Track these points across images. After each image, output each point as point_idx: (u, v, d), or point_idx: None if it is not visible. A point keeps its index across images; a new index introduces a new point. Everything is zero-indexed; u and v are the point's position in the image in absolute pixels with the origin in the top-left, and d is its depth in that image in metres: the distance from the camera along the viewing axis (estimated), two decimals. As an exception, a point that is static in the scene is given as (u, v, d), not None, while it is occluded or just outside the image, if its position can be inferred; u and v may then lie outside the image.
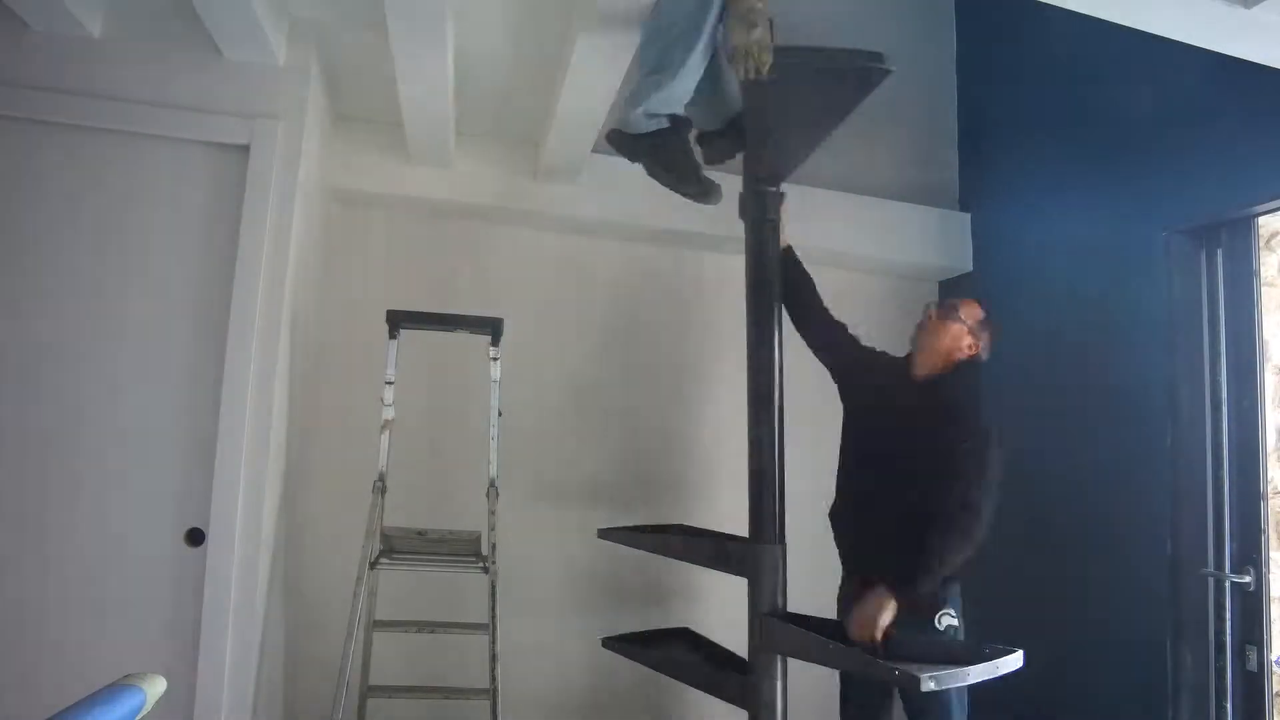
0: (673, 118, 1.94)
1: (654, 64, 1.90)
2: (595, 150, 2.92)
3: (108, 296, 2.29)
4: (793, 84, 1.83)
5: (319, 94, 2.63)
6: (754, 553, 1.99)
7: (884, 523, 2.18)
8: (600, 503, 3.28)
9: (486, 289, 3.20)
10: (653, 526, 2.58)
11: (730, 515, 3.34)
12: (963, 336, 2.30)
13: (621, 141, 2.00)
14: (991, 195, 3.58)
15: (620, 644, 2.30)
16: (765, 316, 2.09)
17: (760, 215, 2.14)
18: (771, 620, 1.93)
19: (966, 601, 2.29)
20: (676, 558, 2.38)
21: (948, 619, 2.21)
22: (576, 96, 2.45)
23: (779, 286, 2.19)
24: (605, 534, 2.39)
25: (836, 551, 2.38)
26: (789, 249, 2.44)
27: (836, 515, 2.40)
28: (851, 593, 2.29)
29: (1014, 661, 1.80)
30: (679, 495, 3.40)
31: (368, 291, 3.02)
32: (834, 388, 2.48)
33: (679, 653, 2.32)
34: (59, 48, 2.25)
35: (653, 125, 1.94)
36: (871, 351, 2.46)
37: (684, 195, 2.05)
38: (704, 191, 2.04)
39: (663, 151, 1.98)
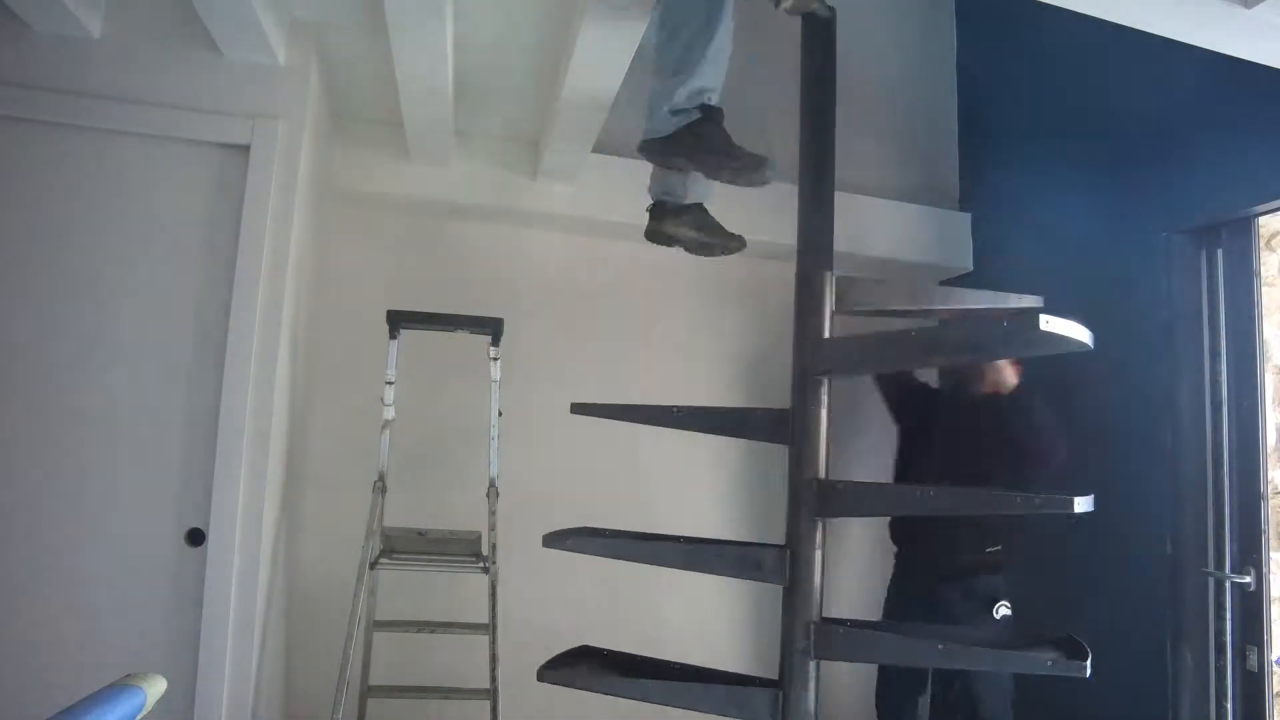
0: (703, 108, 1.87)
1: (674, 66, 1.86)
2: (595, 150, 2.92)
3: (107, 296, 2.29)
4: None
5: (319, 94, 2.63)
6: (794, 559, 1.94)
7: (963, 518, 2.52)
8: (596, 506, 3.28)
9: (486, 289, 3.20)
10: (628, 533, 2.30)
11: (732, 518, 3.37)
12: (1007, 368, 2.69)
13: (653, 148, 1.93)
14: (991, 195, 3.58)
15: (572, 675, 2.01)
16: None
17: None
18: (829, 627, 1.91)
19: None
20: (676, 566, 2.25)
21: (1004, 609, 2.53)
22: (577, 95, 2.44)
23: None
24: (552, 541, 2.05)
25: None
26: None
27: (903, 527, 2.76)
28: (910, 583, 2.70)
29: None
30: (677, 497, 3.40)
31: (368, 291, 3.02)
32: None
33: (640, 676, 2.08)
34: (59, 48, 2.25)
35: (682, 120, 1.87)
36: (924, 386, 2.90)
37: (732, 178, 1.90)
38: (753, 166, 1.85)
39: (699, 138, 1.87)
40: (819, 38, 1.98)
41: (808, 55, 2.02)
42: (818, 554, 1.92)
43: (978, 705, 2.51)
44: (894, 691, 2.56)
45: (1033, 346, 1.91)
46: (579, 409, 2.14)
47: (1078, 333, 1.64)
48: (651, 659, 2.13)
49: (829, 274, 1.98)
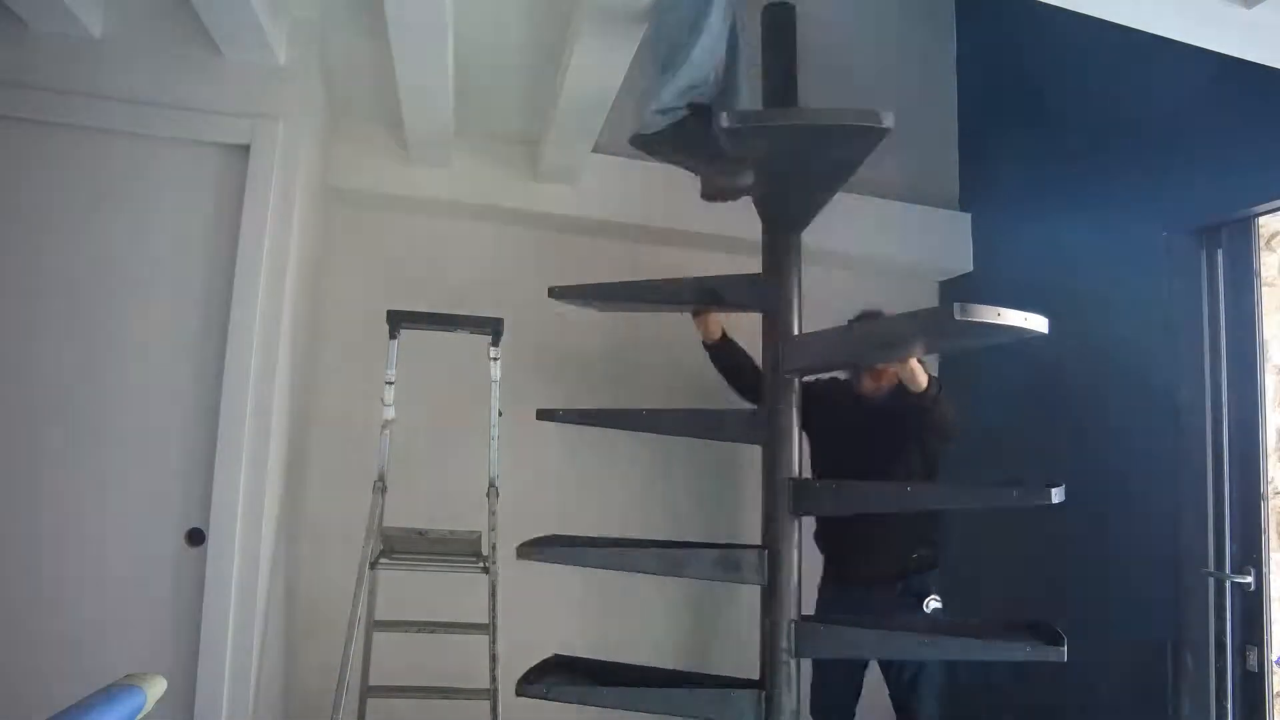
0: (691, 106, 1.88)
1: (663, 61, 1.88)
2: (595, 150, 2.92)
3: (107, 296, 2.29)
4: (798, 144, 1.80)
5: (319, 94, 2.63)
6: (772, 560, 1.94)
7: (880, 516, 2.44)
8: (595, 510, 3.28)
9: (486, 289, 3.20)
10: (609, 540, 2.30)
11: (719, 524, 3.36)
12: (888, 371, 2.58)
13: (642, 143, 1.96)
14: (991, 195, 3.58)
15: (556, 688, 1.98)
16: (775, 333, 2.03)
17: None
18: (810, 625, 1.91)
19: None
20: (652, 572, 2.19)
21: (934, 603, 2.54)
22: (577, 95, 2.45)
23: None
24: (526, 552, 2.01)
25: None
26: (725, 336, 2.68)
27: (826, 529, 2.65)
28: (838, 589, 2.64)
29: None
30: (678, 501, 3.40)
31: (368, 291, 3.02)
32: None
33: (623, 683, 2.07)
34: (59, 48, 2.25)
35: (670, 119, 1.88)
36: (818, 383, 2.72)
37: (713, 178, 1.96)
38: (734, 171, 1.91)
39: (684, 136, 1.89)
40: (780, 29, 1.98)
41: (769, 48, 2.01)
42: (795, 553, 1.92)
43: (918, 701, 2.54)
44: (828, 695, 2.56)
45: (992, 335, 1.91)
46: (544, 415, 2.14)
47: (1031, 322, 1.66)
48: (630, 665, 2.11)
49: (797, 271, 1.99)
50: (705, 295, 2.16)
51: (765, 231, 2.09)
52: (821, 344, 2.01)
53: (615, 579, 3.22)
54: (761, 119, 1.71)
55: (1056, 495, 1.69)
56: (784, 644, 1.89)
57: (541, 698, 1.94)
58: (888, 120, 1.63)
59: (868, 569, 2.63)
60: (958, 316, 1.59)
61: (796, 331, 1.98)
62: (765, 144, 1.77)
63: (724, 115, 1.69)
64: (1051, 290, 3.08)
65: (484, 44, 2.50)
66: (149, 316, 2.32)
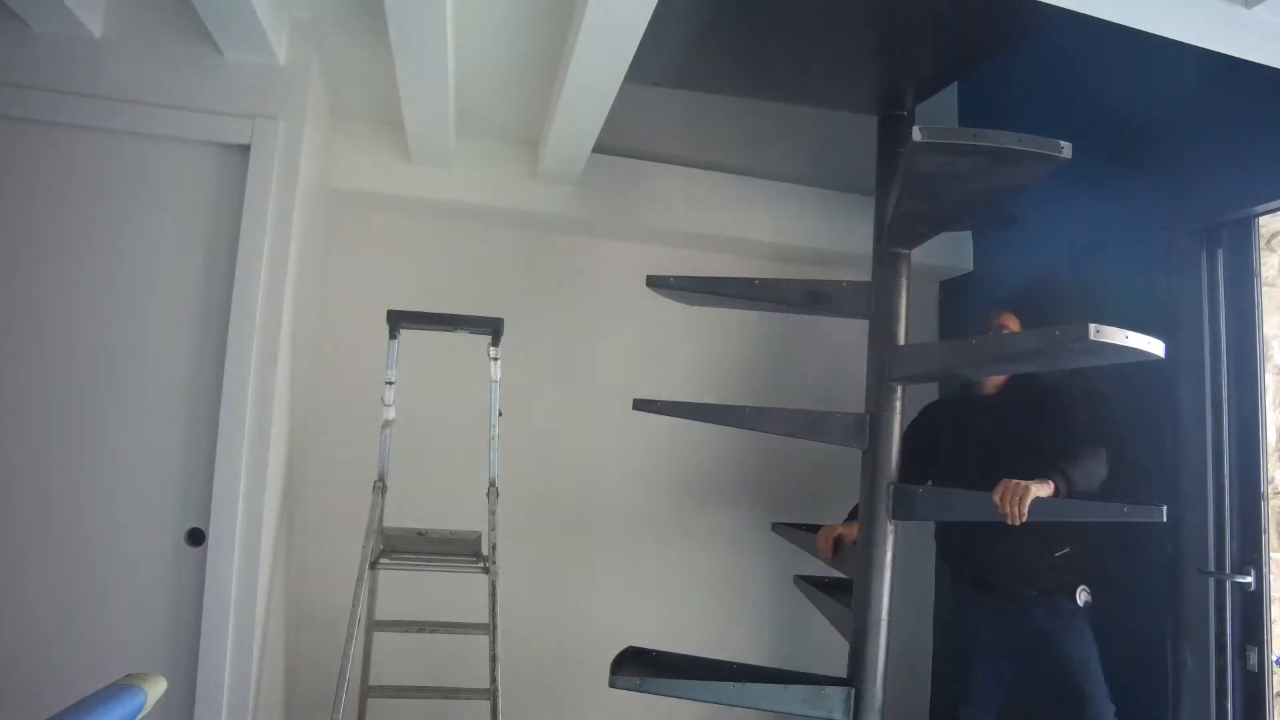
0: None
1: None
2: (595, 150, 2.92)
3: (107, 296, 2.29)
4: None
5: (319, 94, 2.63)
6: (865, 562, 2.00)
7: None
8: (599, 512, 3.28)
9: (486, 289, 3.21)
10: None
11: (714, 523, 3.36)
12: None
13: None
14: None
15: (644, 680, 2.02)
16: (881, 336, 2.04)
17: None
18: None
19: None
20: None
21: (1084, 594, 2.40)
22: (577, 95, 2.44)
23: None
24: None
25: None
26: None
27: (950, 539, 2.56)
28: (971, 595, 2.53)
29: None
30: (678, 503, 3.40)
31: (368, 291, 3.02)
32: None
33: (712, 677, 2.09)
34: (59, 48, 2.26)
35: None
36: (926, 414, 2.61)
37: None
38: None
39: None
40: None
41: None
42: (889, 556, 1.96)
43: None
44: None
45: (1099, 356, 1.88)
46: (641, 405, 2.14)
47: (1151, 345, 1.66)
48: (707, 660, 2.15)
49: (906, 283, 2.00)
50: (812, 299, 2.17)
51: (880, 244, 2.11)
52: (932, 354, 2.04)
53: (613, 576, 3.22)
54: (954, 136, 1.69)
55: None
56: (878, 640, 1.96)
57: (635, 689, 1.97)
58: (1066, 151, 1.66)
59: (995, 564, 2.44)
60: (1092, 337, 1.58)
61: (902, 341, 2.02)
62: (943, 162, 1.75)
63: (917, 130, 1.65)
64: (1051, 290, 3.09)
65: (484, 44, 2.50)
66: (149, 316, 2.32)
